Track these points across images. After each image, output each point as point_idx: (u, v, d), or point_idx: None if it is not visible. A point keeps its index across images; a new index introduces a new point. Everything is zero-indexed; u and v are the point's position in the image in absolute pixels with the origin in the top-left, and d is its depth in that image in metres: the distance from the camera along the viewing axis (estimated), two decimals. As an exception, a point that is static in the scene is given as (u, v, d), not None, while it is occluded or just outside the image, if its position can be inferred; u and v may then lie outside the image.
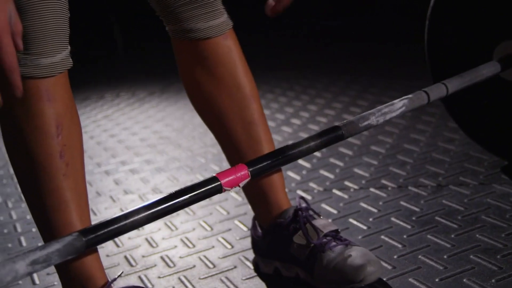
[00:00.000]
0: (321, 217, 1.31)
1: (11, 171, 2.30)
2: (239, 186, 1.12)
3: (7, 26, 0.84)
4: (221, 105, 1.29)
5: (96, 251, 1.16)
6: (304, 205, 1.30)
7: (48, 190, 1.09)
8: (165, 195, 1.05)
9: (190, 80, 1.30)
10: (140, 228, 1.65)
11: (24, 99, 1.05)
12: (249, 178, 1.13)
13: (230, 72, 1.27)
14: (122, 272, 1.21)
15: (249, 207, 1.69)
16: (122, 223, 1.00)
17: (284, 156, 1.18)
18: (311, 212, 1.30)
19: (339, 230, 1.28)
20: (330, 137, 1.22)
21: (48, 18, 1.05)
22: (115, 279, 1.15)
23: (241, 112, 1.29)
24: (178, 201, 1.05)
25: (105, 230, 0.99)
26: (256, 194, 1.33)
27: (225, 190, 1.10)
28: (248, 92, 1.29)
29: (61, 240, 0.94)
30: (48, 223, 1.11)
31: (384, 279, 1.24)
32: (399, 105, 1.28)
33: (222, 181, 1.09)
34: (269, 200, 1.32)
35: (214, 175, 1.10)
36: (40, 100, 1.07)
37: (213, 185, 1.08)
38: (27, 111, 1.07)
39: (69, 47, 1.10)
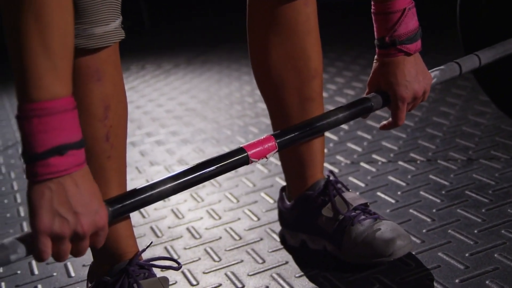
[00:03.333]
0: (350, 190, 1.30)
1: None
2: (266, 158, 1.10)
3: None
4: (284, 76, 1.24)
5: (128, 219, 1.14)
6: (332, 178, 1.28)
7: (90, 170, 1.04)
8: (191, 166, 1.04)
9: (259, 47, 1.25)
10: (166, 200, 1.64)
11: (75, 80, 0.98)
12: (276, 149, 1.11)
13: (301, 43, 1.23)
14: (152, 242, 1.20)
15: (276, 179, 1.69)
16: (148, 193, 0.99)
17: (312, 127, 1.16)
18: (339, 185, 1.28)
19: (368, 204, 1.27)
20: (358, 108, 1.20)
21: None
22: (144, 250, 1.14)
23: (302, 87, 1.25)
24: (204, 172, 1.04)
25: (131, 200, 0.98)
26: (294, 165, 1.30)
27: (252, 162, 1.08)
28: (314, 67, 1.25)
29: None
30: None
31: (413, 253, 1.22)
32: (430, 76, 1.26)
33: (249, 152, 1.08)
34: (304, 172, 1.29)
35: (241, 146, 1.08)
36: (90, 80, 1.03)
37: (240, 156, 1.07)
38: (77, 91, 1.00)
39: (121, 17, 1.04)
